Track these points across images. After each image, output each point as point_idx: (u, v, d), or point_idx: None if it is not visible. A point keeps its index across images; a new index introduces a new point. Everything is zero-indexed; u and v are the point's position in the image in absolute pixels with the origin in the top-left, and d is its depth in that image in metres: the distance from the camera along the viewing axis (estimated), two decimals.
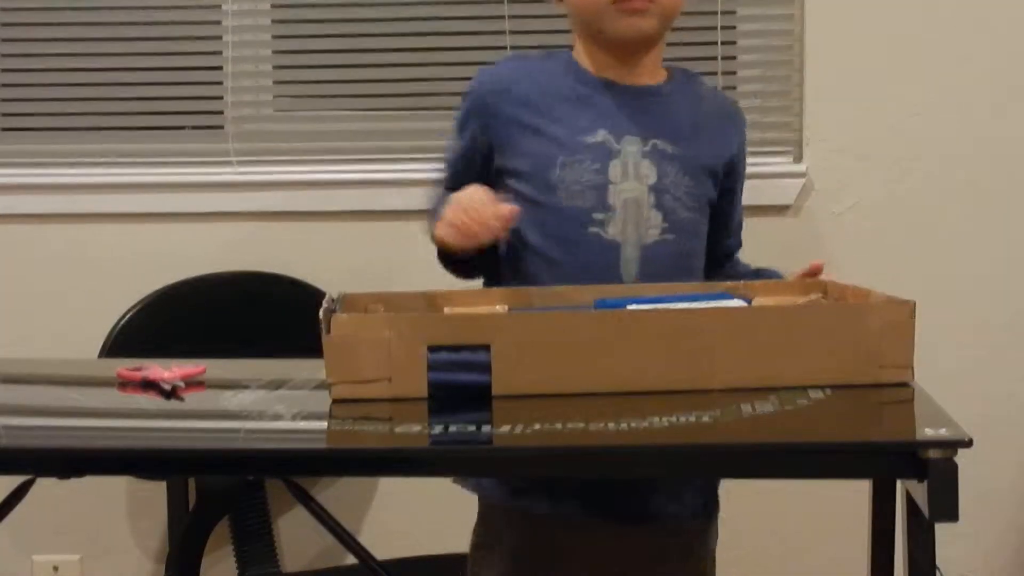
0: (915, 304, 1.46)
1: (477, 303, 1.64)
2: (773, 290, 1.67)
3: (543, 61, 1.83)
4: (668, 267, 1.73)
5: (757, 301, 1.61)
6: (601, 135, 1.74)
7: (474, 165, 1.80)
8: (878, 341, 1.46)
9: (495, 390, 1.44)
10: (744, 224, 1.92)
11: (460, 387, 1.45)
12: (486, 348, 1.44)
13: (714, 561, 1.85)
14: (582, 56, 1.80)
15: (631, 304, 1.55)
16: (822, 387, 1.45)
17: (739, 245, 1.91)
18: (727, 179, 1.82)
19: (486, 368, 1.44)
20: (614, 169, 1.73)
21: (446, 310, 1.61)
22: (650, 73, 1.80)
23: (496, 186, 1.75)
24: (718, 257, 1.86)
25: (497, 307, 1.62)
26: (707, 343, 1.45)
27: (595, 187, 1.72)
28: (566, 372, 1.45)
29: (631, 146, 1.74)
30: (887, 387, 1.46)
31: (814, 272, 1.71)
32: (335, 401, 1.44)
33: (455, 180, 1.80)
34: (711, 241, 1.83)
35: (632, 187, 1.73)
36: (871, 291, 1.57)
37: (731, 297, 1.60)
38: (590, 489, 1.72)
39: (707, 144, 1.79)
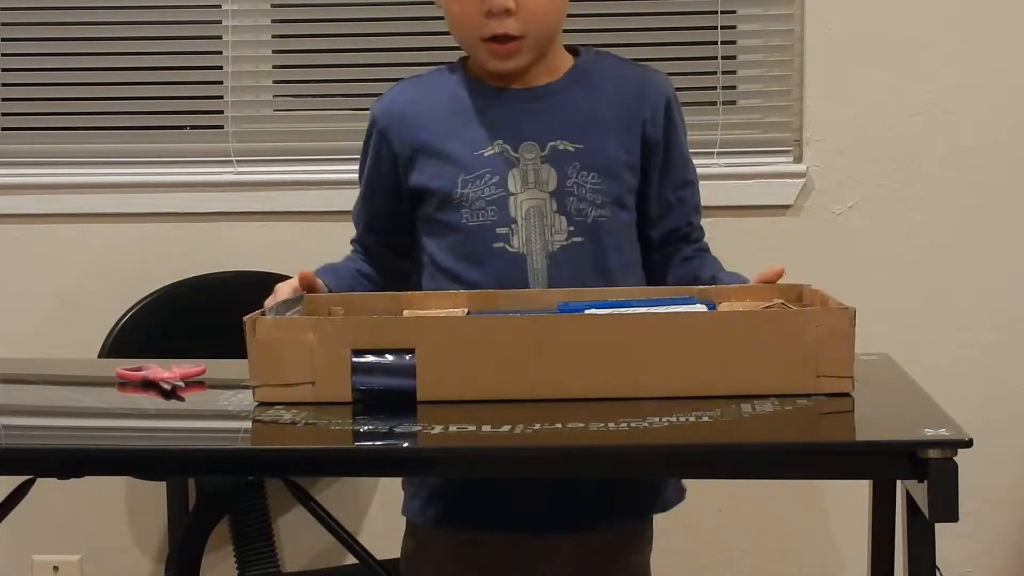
0: (855, 312, 1.41)
1: (439, 305, 1.62)
2: (741, 295, 1.62)
3: (436, 78, 1.81)
4: (580, 271, 1.70)
5: (723, 307, 1.58)
6: (498, 146, 1.72)
7: (382, 193, 1.80)
8: (816, 351, 1.41)
9: (419, 395, 1.43)
10: (720, 217, 1.86)
11: (384, 392, 1.44)
12: (411, 352, 1.43)
13: (646, 568, 1.82)
14: (476, 64, 1.78)
15: (592, 309, 1.52)
16: (757, 398, 1.41)
17: (684, 225, 1.79)
18: (646, 158, 1.75)
19: (411, 372, 1.43)
20: (513, 180, 1.71)
21: (405, 313, 1.60)
22: (548, 70, 1.76)
23: (411, 213, 1.78)
24: (656, 242, 1.79)
25: (457, 310, 1.60)
26: (634, 351, 1.42)
27: (496, 201, 1.71)
28: (491, 377, 1.42)
29: (529, 153, 1.72)
30: (827, 397, 1.41)
31: (772, 278, 1.65)
32: (259, 404, 1.44)
33: (369, 212, 1.83)
34: (641, 227, 1.78)
35: (533, 196, 1.71)
36: (830, 301, 1.51)
37: (695, 302, 1.56)
38: (513, 501, 1.70)
39: (614, 132, 1.74)
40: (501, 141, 1.72)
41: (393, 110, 1.78)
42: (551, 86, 1.76)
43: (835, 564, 2.49)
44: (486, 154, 1.72)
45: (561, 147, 1.72)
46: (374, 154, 1.79)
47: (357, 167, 1.85)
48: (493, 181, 1.71)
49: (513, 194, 1.71)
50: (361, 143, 1.83)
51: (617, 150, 1.74)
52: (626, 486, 1.74)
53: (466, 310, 1.61)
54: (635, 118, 1.75)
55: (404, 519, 1.82)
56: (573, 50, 1.81)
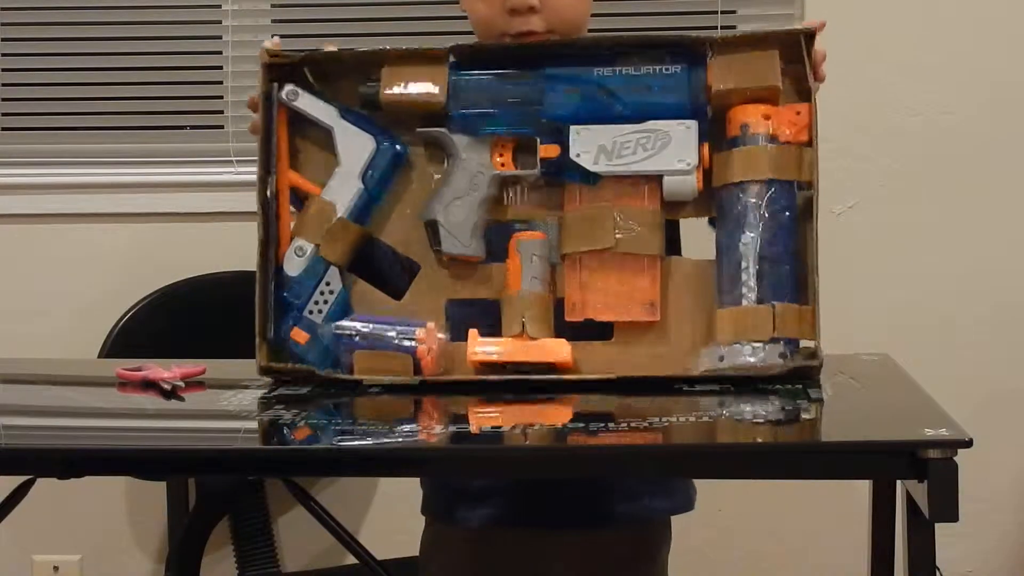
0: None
1: (419, 60, 1.54)
2: (736, 43, 1.53)
3: None
4: None
5: (713, 65, 1.51)
6: None
7: None
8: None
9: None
10: None
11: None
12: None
13: (664, 568, 1.81)
14: None
15: (577, 125, 1.51)
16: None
17: None
18: None
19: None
20: None
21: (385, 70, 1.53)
22: None
23: None
24: None
25: (437, 70, 1.53)
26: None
27: None
28: None
29: None
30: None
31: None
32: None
33: None
34: None
35: None
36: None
37: (686, 75, 1.50)
38: (523, 498, 1.71)
39: None
40: None
41: None
42: None
43: (835, 564, 2.49)
44: None
45: None
46: None
47: None
48: None
49: None
50: None
51: None
52: (638, 486, 1.75)
53: (446, 70, 1.54)
54: None
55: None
56: None
